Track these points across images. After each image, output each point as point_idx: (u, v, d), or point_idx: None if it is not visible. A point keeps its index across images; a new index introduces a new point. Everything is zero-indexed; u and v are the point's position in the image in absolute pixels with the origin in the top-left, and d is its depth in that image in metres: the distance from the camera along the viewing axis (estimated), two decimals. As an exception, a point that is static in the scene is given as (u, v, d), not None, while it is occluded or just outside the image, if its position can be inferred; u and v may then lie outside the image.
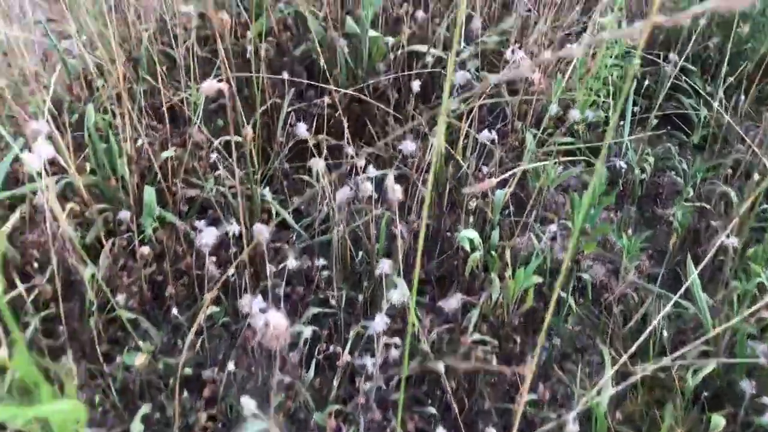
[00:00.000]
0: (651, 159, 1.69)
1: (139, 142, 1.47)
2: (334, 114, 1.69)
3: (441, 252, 1.45)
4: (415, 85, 1.46)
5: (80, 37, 1.82)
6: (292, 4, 1.80)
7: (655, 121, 1.82)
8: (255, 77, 1.59)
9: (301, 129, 1.35)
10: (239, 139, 1.50)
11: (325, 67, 1.70)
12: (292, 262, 1.12)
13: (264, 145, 1.59)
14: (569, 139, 1.76)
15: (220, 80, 1.40)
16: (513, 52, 1.51)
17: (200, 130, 1.40)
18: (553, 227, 1.28)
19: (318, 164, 1.25)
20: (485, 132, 1.34)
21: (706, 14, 2.00)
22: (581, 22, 2.03)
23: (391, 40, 1.60)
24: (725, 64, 1.94)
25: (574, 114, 1.46)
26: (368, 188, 1.25)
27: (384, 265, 1.04)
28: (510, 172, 1.29)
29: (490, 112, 1.80)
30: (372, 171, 1.21)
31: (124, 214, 1.22)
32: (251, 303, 0.89)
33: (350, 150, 1.49)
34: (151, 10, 1.77)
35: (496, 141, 1.51)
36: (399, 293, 0.97)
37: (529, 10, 1.97)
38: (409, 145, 1.23)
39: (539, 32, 1.83)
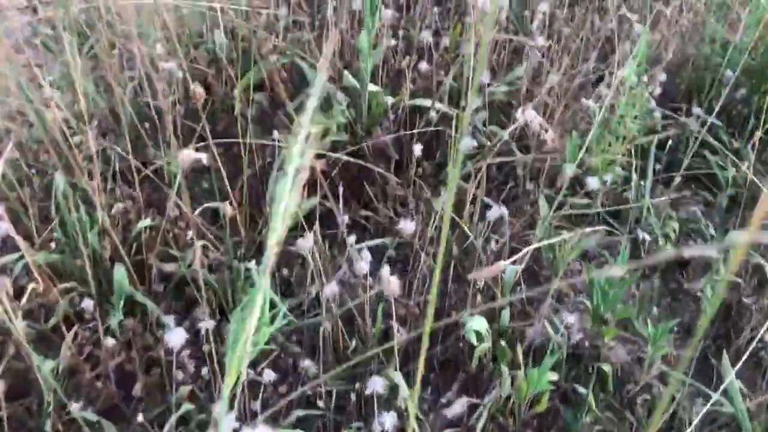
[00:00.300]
0: (675, 225, 1.55)
1: (114, 209, 1.35)
2: (331, 173, 1.56)
3: (445, 334, 1.31)
4: (417, 149, 1.33)
5: (58, 88, 1.71)
6: (287, 53, 1.68)
7: (678, 179, 1.68)
8: (242, 136, 1.47)
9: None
10: (224, 206, 1.37)
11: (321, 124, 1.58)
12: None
13: (252, 211, 1.46)
14: (586, 201, 1.62)
15: (205, 145, 1.28)
16: (523, 111, 1.38)
17: (179, 200, 1.26)
18: (571, 318, 1.13)
19: (305, 244, 1.11)
20: (495, 208, 1.20)
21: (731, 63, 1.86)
22: (597, 69, 1.90)
23: (391, 99, 1.47)
24: (753, 117, 1.80)
25: (593, 182, 1.32)
26: (363, 269, 1.12)
27: (376, 385, 0.90)
28: (523, 252, 1.15)
29: (498, 169, 1.66)
30: (367, 257, 1.07)
31: (87, 303, 1.08)
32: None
33: (345, 218, 1.36)
34: (138, 59, 1.65)
35: (506, 207, 1.38)
36: (392, 419, 0.82)
37: (543, 56, 1.85)
38: (408, 226, 1.10)
39: (552, 83, 1.70)
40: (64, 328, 1.10)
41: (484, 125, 1.69)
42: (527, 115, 1.39)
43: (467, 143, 1.21)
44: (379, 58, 1.57)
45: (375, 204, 1.51)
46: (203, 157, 1.12)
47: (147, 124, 1.56)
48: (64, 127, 1.45)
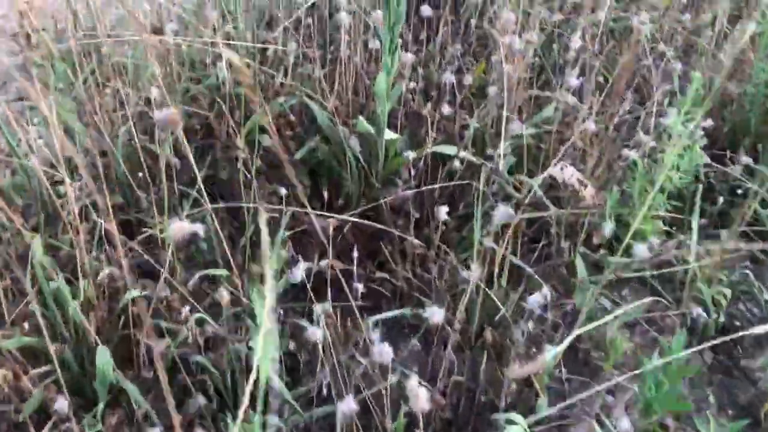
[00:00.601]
0: (727, 292, 1.39)
1: (101, 276, 1.19)
2: (343, 228, 1.40)
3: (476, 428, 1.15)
4: (442, 212, 1.17)
5: (47, 124, 1.56)
6: (296, 93, 1.53)
7: (724, 234, 1.52)
8: (245, 187, 1.32)
9: (297, 273, 1.06)
10: (223, 272, 1.22)
11: (333, 173, 1.43)
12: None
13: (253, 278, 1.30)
14: (625, 259, 1.46)
15: (200, 211, 1.13)
16: (562, 168, 1.23)
17: (170, 278, 1.11)
18: (625, 423, 0.97)
19: (315, 335, 0.96)
20: (534, 296, 1.05)
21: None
22: (634, 109, 1.74)
23: (412, 154, 1.32)
24: (805, 164, 1.64)
25: (641, 251, 1.16)
26: (383, 358, 0.96)
27: None
28: (566, 342, 0.99)
29: (528, 224, 1.50)
30: (386, 350, 0.91)
31: (61, 405, 0.92)
32: None
33: (359, 286, 1.21)
34: (132, 100, 1.50)
35: (539, 268, 1.22)
36: None
37: (573, 93, 1.69)
38: (435, 314, 0.94)
39: (585, 127, 1.54)
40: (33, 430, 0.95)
41: (510, 171, 1.54)
42: (566, 174, 1.24)
43: (504, 213, 1.06)
44: (396, 99, 1.42)
45: (392, 265, 1.35)
46: (199, 229, 0.97)
47: (141, 174, 1.41)
48: (45, 179, 1.31)
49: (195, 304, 1.11)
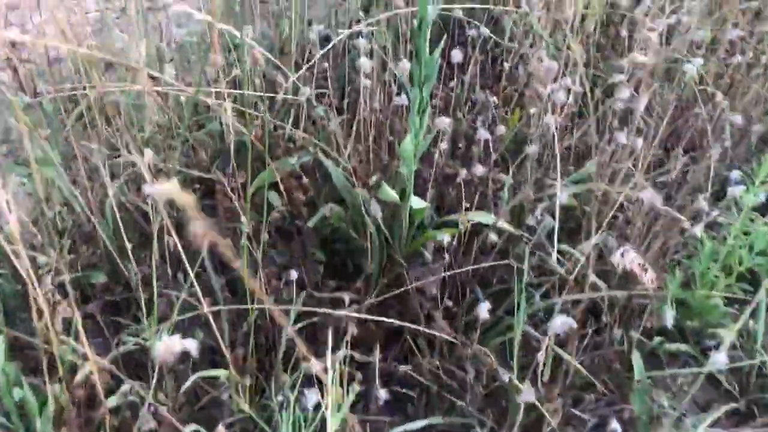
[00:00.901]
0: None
1: (79, 376, 1.01)
2: (361, 310, 1.22)
3: None
4: (483, 311, 0.99)
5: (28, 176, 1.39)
6: (309, 149, 1.35)
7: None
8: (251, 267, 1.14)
9: (315, 367, 0.88)
10: (222, 373, 1.04)
11: (351, 242, 1.25)
12: None
13: (259, 367, 1.12)
14: (685, 347, 1.27)
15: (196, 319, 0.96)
16: (622, 254, 1.04)
17: (157, 404, 0.93)
18: None
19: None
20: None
21: None
22: (687, 165, 1.55)
23: (447, 238, 1.13)
24: None
25: (720, 359, 0.97)
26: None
27: None
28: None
29: (573, 304, 1.31)
30: None
31: None
32: None
33: (382, 394, 1.02)
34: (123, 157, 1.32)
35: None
36: None
37: (615, 147, 1.51)
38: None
39: (636, 196, 1.35)
40: None
41: (549, 237, 1.35)
42: (627, 259, 1.05)
43: (562, 324, 0.87)
44: (422, 156, 1.24)
45: (418, 359, 1.16)
46: (191, 347, 0.79)
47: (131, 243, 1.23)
48: (21, 248, 1.12)
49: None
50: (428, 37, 1.09)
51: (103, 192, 1.34)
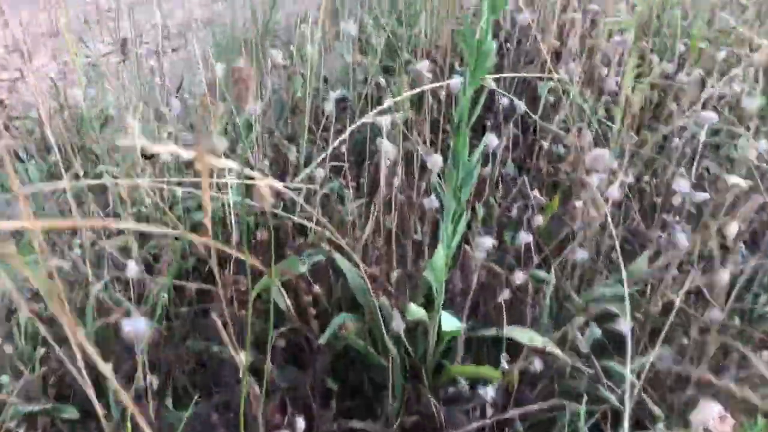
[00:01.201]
0: None
1: None
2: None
3: None
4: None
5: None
6: (322, 247, 1.17)
7: None
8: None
9: None
10: None
11: (368, 360, 1.07)
12: None
13: None
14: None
15: None
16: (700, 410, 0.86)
17: None
18: None
19: None
20: None
21: None
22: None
23: (490, 392, 0.94)
24: None
25: None
26: None
27: None
28: None
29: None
30: None
31: None
32: None
33: None
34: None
35: None
36: None
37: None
38: None
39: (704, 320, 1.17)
40: None
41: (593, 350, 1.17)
42: (710, 413, 0.87)
43: None
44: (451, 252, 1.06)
45: None
46: None
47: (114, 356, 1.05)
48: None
49: None
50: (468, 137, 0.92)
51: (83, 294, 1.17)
